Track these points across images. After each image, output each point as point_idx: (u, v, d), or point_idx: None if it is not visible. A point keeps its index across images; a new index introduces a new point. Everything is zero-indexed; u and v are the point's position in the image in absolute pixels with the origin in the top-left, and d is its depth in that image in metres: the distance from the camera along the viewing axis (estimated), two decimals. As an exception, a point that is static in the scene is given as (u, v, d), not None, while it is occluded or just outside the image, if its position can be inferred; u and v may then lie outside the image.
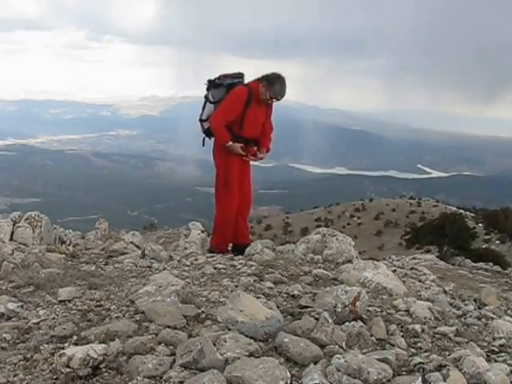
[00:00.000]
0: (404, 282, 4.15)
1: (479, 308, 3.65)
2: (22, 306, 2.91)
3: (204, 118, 5.29)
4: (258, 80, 5.06)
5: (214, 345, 2.11)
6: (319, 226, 8.44)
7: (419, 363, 2.15)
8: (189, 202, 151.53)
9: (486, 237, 35.47)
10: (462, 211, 35.56)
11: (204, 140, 5.38)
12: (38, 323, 2.65)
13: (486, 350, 2.61)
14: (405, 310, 3.03)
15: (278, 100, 5.17)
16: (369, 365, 2.00)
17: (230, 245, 5.41)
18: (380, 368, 2.00)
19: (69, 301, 3.02)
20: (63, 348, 2.25)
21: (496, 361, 2.40)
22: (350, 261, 4.42)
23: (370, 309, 2.93)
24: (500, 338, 2.79)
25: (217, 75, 5.25)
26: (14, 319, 2.76)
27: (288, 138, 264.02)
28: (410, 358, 2.24)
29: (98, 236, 7.72)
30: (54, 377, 2.03)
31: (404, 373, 2.11)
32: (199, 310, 2.69)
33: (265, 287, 3.30)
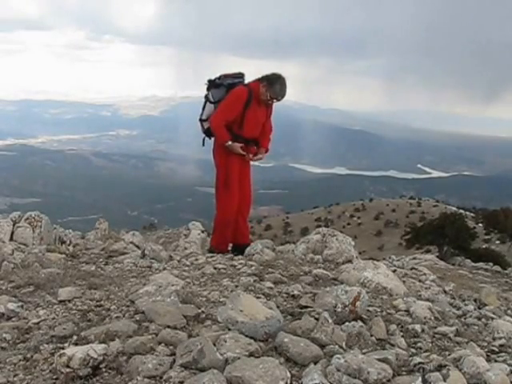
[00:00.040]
0: (404, 281, 4.15)
1: (479, 308, 3.65)
2: (22, 306, 2.90)
3: (204, 117, 5.29)
4: (259, 80, 5.06)
5: (214, 345, 2.11)
6: (319, 226, 8.44)
7: (419, 363, 2.15)
8: (189, 202, 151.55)
9: (486, 237, 35.48)
10: (462, 211, 35.57)
11: (204, 140, 5.38)
12: (38, 323, 2.65)
13: (486, 350, 2.61)
14: (405, 310, 3.03)
15: (278, 100, 5.17)
16: (369, 365, 2.00)
17: (230, 245, 5.41)
18: (380, 368, 2.00)
19: (69, 301, 3.02)
20: (63, 348, 2.25)
21: (496, 361, 2.40)
22: (349, 261, 4.42)
23: (370, 309, 2.93)
24: (500, 338, 2.79)
25: (217, 75, 5.25)
26: (14, 319, 2.76)
27: (288, 138, 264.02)
28: (410, 358, 2.24)
29: (98, 236, 7.72)
30: (54, 377, 2.03)
31: (404, 373, 2.11)
32: (199, 310, 2.69)
33: (265, 287, 3.30)
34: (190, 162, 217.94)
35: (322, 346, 2.25)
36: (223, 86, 5.17)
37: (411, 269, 5.55)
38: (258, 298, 2.91)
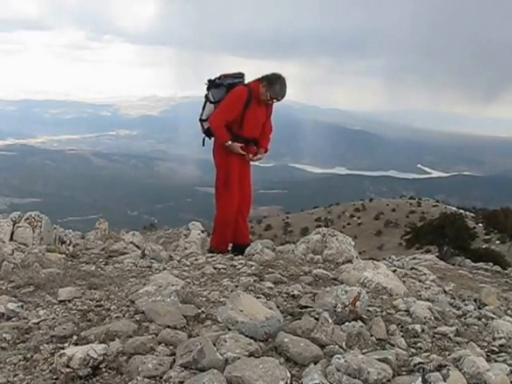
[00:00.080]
0: (404, 281, 4.15)
1: (479, 308, 3.65)
2: (22, 306, 2.90)
3: (204, 117, 5.29)
4: (259, 80, 5.06)
5: (214, 345, 2.11)
6: (319, 226, 8.44)
7: (419, 363, 2.15)
8: (189, 202, 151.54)
9: (486, 237, 35.47)
10: (462, 211, 35.56)
11: (204, 140, 5.38)
12: (38, 323, 2.65)
13: (486, 350, 2.61)
14: (405, 310, 3.03)
15: (278, 100, 5.17)
16: (369, 365, 2.00)
17: (230, 245, 5.41)
18: (380, 368, 2.00)
19: (69, 301, 3.02)
20: (63, 348, 2.25)
21: (496, 361, 2.40)
22: (350, 261, 4.42)
23: (370, 309, 2.93)
24: (500, 338, 2.79)
25: (217, 75, 5.25)
26: (14, 319, 2.76)
27: (288, 138, 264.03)
28: (410, 358, 2.24)
29: (98, 236, 7.72)
30: (54, 377, 2.03)
31: (404, 373, 2.11)
32: (199, 310, 2.69)
33: (265, 287, 3.30)
34: (190, 162, 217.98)
35: (322, 346, 2.25)
36: (223, 86, 5.17)
37: (411, 269, 5.54)
38: (258, 297, 2.91)
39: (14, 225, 5.41)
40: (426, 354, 2.34)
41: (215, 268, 3.91)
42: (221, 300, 2.95)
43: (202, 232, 7.84)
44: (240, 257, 4.51)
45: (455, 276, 7.64)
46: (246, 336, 2.25)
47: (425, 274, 5.14)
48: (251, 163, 5.40)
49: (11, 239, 5.26)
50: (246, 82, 5.22)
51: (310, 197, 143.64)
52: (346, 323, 2.52)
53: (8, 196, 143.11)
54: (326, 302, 2.70)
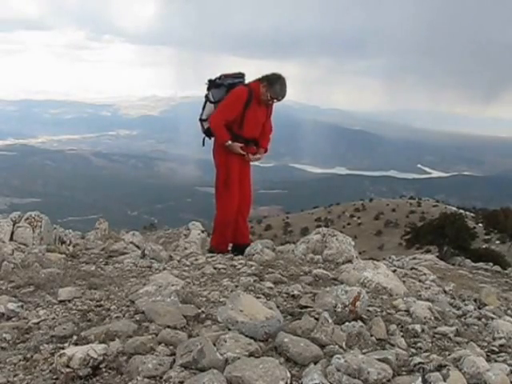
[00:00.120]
0: (404, 281, 4.15)
1: (479, 308, 3.65)
2: (22, 306, 2.90)
3: (204, 117, 5.29)
4: (259, 80, 5.06)
5: (214, 345, 2.11)
6: (319, 226, 8.44)
7: (419, 363, 2.15)
8: (189, 202, 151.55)
9: (486, 237, 35.46)
10: (462, 211, 35.55)
11: (204, 140, 5.38)
12: (38, 323, 2.65)
13: (486, 349, 2.61)
14: (405, 310, 3.03)
15: (278, 100, 5.17)
16: (369, 365, 2.00)
17: (230, 245, 5.41)
18: (380, 368, 2.00)
19: (69, 301, 3.02)
20: (63, 348, 2.25)
21: (496, 361, 2.40)
22: (350, 261, 4.42)
23: (370, 309, 2.93)
24: (500, 338, 2.79)
25: (217, 75, 5.25)
26: (14, 319, 2.76)
27: (288, 138, 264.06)
28: (410, 358, 2.24)
29: (98, 236, 7.72)
30: (54, 377, 2.03)
31: (404, 373, 2.11)
32: (199, 310, 2.69)
33: (265, 287, 3.30)
34: (190, 162, 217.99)
35: (322, 346, 2.25)
36: (223, 86, 5.17)
37: (411, 269, 5.54)
38: (258, 298, 2.91)
39: (14, 225, 5.41)
40: (426, 353, 2.34)
41: (215, 268, 3.91)
42: (221, 300, 2.95)
43: (202, 232, 7.85)
44: (240, 257, 4.51)
45: (455, 276, 7.64)
46: (246, 336, 2.25)
47: (425, 274, 5.14)
48: (251, 163, 5.40)
49: (11, 239, 5.26)
50: (246, 82, 5.22)
51: (309, 197, 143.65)
52: (346, 323, 2.52)
53: (8, 196, 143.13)
54: (325, 302, 2.70)
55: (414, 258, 10.16)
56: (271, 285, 3.39)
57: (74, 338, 2.38)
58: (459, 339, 2.68)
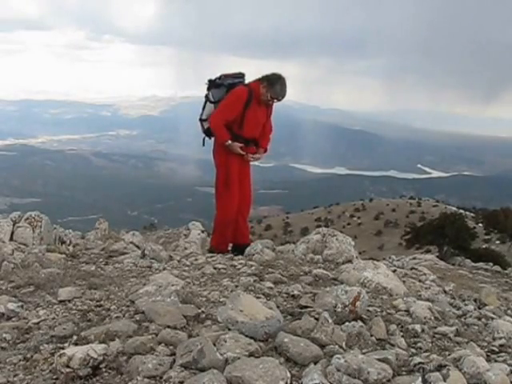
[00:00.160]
0: (404, 281, 4.15)
1: (479, 308, 3.65)
2: (22, 306, 2.90)
3: (204, 117, 5.29)
4: (259, 80, 5.06)
5: (214, 345, 2.11)
6: (319, 226, 8.44)
7: (419, 363, 2.15)
8: (189, 202, 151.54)
9: (486, 237, 35.46)
10: (462, 211, 35.53)
11: (204, 140, 5.38)
12: (38, 323, 2.65)
13: (486, 349, 2.61)
14: (405, 310, 3.03)
15: (279, 100, 5.17)
16: (369, 365, 2.00)
17: (230, 245, 5.41)
18: (380, 368, 2.00)
19: (69, 301, 3.02)
20: (63, 348, 2.25)
21: (496, 361, 2.40)
22: (350, 261, 4.42)
23: (370, 309, 2.93)
24: (500, 338, 2.79)
25: (217, 75, 5.26)
26: (14, 319, 2.76)
27: (288, 138, 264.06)
28: (410, 358, 2.24)
29: (98, 236, 7.72)
30: (54, 377, 2.03)
31: (404, 373, 2.11)
32: (199, 310, 2.69)
33: (265, 287, 3.30)
34: (190, 162, 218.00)
35: (322, 346, 2.25)
36: (223, 86, 5.17)
37: (411, 269, 5.54)
38: (258, 298, 2.91)
39: (14, 225, 5.41)
40: (426, 353, 2.35)
41: (215, 268, 3.91)
42: (221, 300, 2.95)
43: (202, 232, 7.85)
44: (240, 257, 4.51)
45: (455, 276, 7.63)
46: (246, 336, 2.25)
47: (425, 274, 5.14)
48: (251, 163, 5.40)
49: (11, 239, 5.26)
50: (246, 82, 5.22)
51: (310, 197, 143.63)
52: (346, 323, 2.52)
53: (8, 196, 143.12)
54: (325, 302, 2.70)
55: (414, 258, 10.15)
56: (271, 285, 3.39)
57: (74, 337, 2.38)
58: (459, 339, 2.68)
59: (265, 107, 5.21)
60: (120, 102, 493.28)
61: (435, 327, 2.81)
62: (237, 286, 3.29)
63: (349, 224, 72.44)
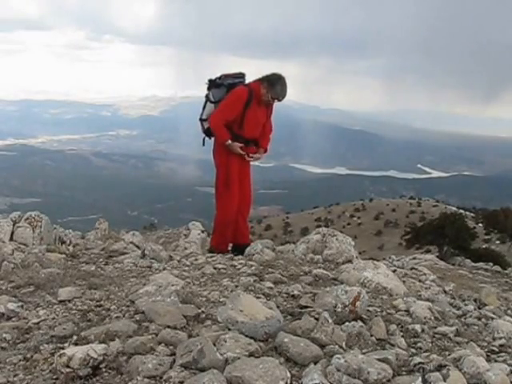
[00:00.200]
0: (404, 281, 4.15)
1: (479, 308, 3.65)
2: (22, 306, 2.90)
3: (204, 117, 5.29)
4: (259, 81, 5.06)
5: (214, 345, 2.11)
6: (319, 226, 8.44)
7: (419, 363, 2.15)
8: (189, 202, 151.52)
9: (486, 237, 35.46)
10: (462, 211, 35.52)
11: (204, 140, 5.39)
12: (38, 323, 2.65)
13: (486, 349, 2.61)
14: (405, 310, 3.03)
15: (279, 101, 5.18)
16: (369, 365, 2.00)
17: (230, 245, 5.41)
18: (380, 368, 2.00)
19: (69, 301, 3.02)
20: (63, 348, 2.25)
21: (496, 361, 2.40)
22: (350, 261, 4.42)
23: (370, 309, 2.93)
24: (500, 338, 2.79)
25: (218, 75, 5.26)
26: (14, 319, 2.76)
27: (288, 138, 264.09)
28: (410, 358, 2.24)
29: (98, 236, 7.72)
30: (54, 377, 2.03)
31: (404, 373, 2.11)
32: (199, 310, 2.69)
33: (265, 287, 3.30)
34: (190, 162, 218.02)
35: (322, 346, 2.25)
36: (224, 86, 5.17)
37: (411, 269, 5.54)
38: (258, 298, 2.91)
39: (14, 225, 5.41)
40: (426, 353, 2.35)
41: (215, 268, 3.91)
42: (221, 300, 2.95)
43: (202, 232, 7.85)
44: (240, 257, 4.51)
45: (455, 276, 7.63)
46: (246, 336, 2.25)
47: (425, 274, 5.14)
48: (251, 163, 5.41)
49: (11, 239, 5.26)
50: (247, 82, 5.22)
51: (309, 197, 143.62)
52: (346, 323, 2.52)
53: (8, 196, 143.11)
54: (326, 302, 2.70)
55: (414, 258, 10.15)
56: (271, 285, 3.39)
57: (74, 337, 2.38)
58: (459, 339, 2.68)
59: (265, 107, 5.21)
60: (120, 102, 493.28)
61: (435, 327, 2.81)
62: (237, 286, 3.29)
63: (349, 224, 72.42)
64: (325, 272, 3.85)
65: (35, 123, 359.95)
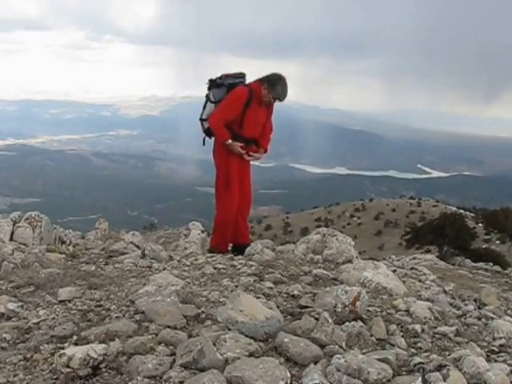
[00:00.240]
0: (404, 282, 4.15)
1: (479, 308, 3.65)
2: (22, 306, 2.90)
3: (204, 117, 5.29)
4: (259, 81, 5.07)
5: (214, 345, 2.11)
6: (319, 226, 8.44)
7: (419, 363, 2.15)
8: (189, 202, 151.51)
9: (486, 237, 35.46)
10: (462, 211, 35.52)
11: (204, 139, 5.39)
12: (38, 323, 2.65)
13: (486, 350, 2.61)
14: (405, 310, 3.03)
15: (280, 101, 5.18)
16: (369, 365, 2.00)
17: (230, 245, 5.41)
18: (380, 368, 2.00)
19: (69, 301, 3.02)
20: (63, 348, 2.25)
21: (496, 361, 2.40)
22: (350, 261, 4.42)
23: (370, 309, 2.93)
24: (500, 338, 2.79)
25: (218, 75, 5.26)
26: (14, 319, 2.76)
27: (288, 138, 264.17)
28: (410, 358, 2.24)
29: (98, 236, 7.72)
30: (54, 377, 2.03)
31: (404, 373, 2.11)
32: (199, 310, 2.69)
33: (265, 287, 3.30)
34: (190, 162, 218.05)
35: (322, 346, 2.25)
36: (224, 86, 5.17)
37: (411, 269, 5.54)
38: (258, 298, 2.91)
39: (14, 225, 5.41)
40: (426, 353, 2.35)
41: (215, 268, 3.91)
42: (221, 300, 2.95)
43: (202, 232, 7.85)
44: (240, 257, 4.51)
45: (455, 276, 7.63)
46: (246, 336, 2.25)
47: (425, 274, 5.14)
48: (251, 163, 5.41)
49: (11, 239, 5.26)
50: (247, 82, 5.22)
51: (309, 197, 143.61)
52: (346, 323, 2.52)
53: (8, 196, 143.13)
54: (325, 302, 2.70)
55: (414, 258, 10.15)
56: (271, 285, 3.39)
57: (74, 337, 2.38)
58: (459, 339, 2.68)
59: (265, 107, 5.21)
60: (120, 102, 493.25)
61: (435, 327, 2.81)
62: (237, 286, 3.29)
63: (349, 224, 72.43)
64: (325, 272, 3.85)
65: (35, 123, 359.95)
